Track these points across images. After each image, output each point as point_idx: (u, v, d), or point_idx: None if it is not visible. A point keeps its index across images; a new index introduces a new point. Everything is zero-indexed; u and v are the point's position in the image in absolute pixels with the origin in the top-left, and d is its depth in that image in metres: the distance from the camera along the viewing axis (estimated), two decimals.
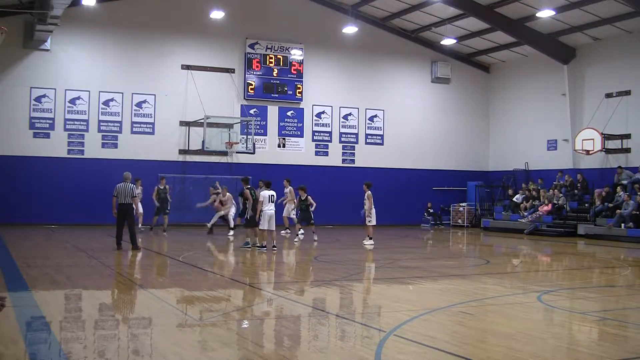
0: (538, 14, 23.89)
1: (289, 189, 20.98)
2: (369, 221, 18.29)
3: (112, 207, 15.49)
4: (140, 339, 7.06)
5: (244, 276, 12.44)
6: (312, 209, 19.35)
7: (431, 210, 28.87)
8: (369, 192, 18.27)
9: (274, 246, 15.84)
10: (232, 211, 21.58)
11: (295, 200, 20.33)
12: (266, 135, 26.78)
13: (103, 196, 23.36)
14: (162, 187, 21.74)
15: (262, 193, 15.99)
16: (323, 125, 27.89)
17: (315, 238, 19.02)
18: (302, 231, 19.85)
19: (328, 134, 27.97)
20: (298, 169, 26.37)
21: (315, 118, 27.73)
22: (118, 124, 24.73)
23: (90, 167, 23.94)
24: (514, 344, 6.73)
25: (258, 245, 16.09)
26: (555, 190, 25.18)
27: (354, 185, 25.93)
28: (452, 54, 29.89)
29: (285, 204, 21.13)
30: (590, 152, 24.43)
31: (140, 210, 21.21)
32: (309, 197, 19.36)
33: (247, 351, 6.50)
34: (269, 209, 15.72)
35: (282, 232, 20.59)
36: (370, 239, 18.40)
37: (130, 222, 15.35)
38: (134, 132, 24.94)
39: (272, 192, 15.97)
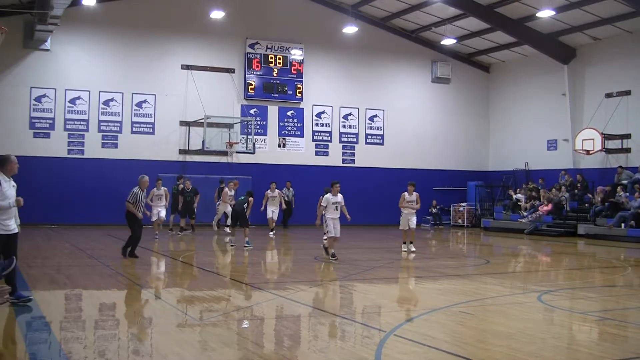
0: (538, 14, 23.89)
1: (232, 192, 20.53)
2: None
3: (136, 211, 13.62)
4: (140, 339, 7.07)
5: (244, 276, 12.43)
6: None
7: (434, 210, 28.79)
8: (415, 193, 16.77)
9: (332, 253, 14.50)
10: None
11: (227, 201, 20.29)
12: (266, 135, 26.77)
13: (103, 196, 23.51)
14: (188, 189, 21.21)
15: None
16: (323, 125, 27.88)
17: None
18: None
19: (328, 134, 27.95)
20: (298, 169, 26.40)
21: (315, 118, 27.72)
22: (118, 124, 24.73)
23: (90, 167, 23.95)
24: (514, 344, 6.73)
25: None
26: (558, 189, 25.10)
27: (354, 185, 25.99)
28: (452, 54, 29.88)
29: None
30: (591, 152, 24.43)
31: (163, 214, 19.42)
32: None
33: (247, 351, 6.50)
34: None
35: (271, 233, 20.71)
36: (407, 243, 16.86)
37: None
38: (134, 132, 24.94)
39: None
